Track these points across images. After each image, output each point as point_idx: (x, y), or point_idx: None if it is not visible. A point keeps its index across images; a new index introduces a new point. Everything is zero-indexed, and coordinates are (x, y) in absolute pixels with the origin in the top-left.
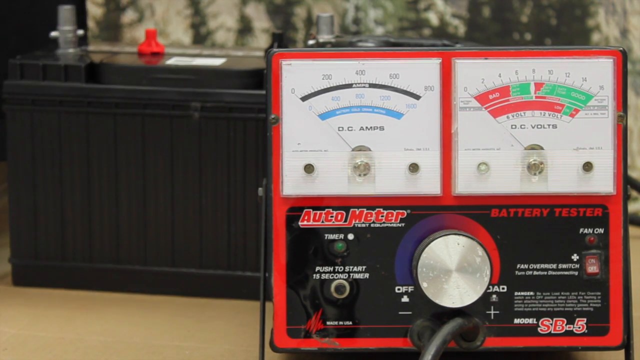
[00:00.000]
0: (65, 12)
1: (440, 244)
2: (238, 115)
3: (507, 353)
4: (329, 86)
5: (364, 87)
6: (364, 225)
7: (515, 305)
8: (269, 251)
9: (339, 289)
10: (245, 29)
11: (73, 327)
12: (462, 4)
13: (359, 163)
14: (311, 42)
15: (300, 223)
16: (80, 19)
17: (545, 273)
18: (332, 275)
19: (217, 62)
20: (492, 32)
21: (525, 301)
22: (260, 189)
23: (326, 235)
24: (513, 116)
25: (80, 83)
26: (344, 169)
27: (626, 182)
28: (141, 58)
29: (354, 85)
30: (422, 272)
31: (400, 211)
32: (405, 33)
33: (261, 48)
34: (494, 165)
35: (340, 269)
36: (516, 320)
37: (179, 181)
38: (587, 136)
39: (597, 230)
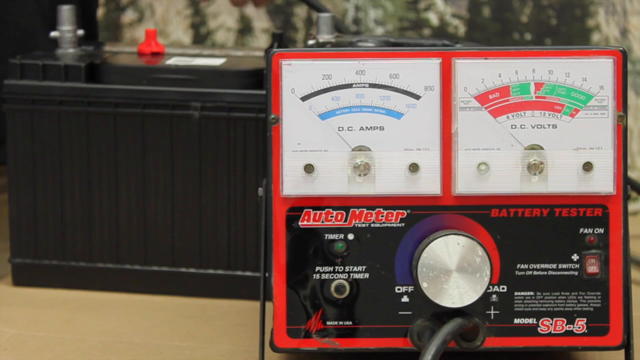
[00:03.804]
0: (65, 12)
1: (440, 244)
2: (238, 115)
3: (507, 353)
4: (329, 86)
5: (364, 87)
6: (364, 225)
7: (515, 305)
8: (269, 251)
9: (339, 289)
10: (245, 29)
11: (73, 327)
12: (462, 4)
13: (359, 163)
14: (311, 42)
15: (300, 223)
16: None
17: (545, 273)
18: (332, 275)
19: (217, 62)
20: (492, 32)
21: (525, 301)
22: (260, 189)
23: (326, 235)
24: (513, 116)
25: (80, 83)
26: (344, 169)
27: (626, 182)
28: (141, 58)
29: (354, 85)
30: (422, 272)
31: (400, 211)
32: (405, 33)
33: (261, 48)
34: (494, 165)
35: (340, 269)
36: (516, 320)
37: (179, 181)
38: (587, 136)
39: (597, 230)
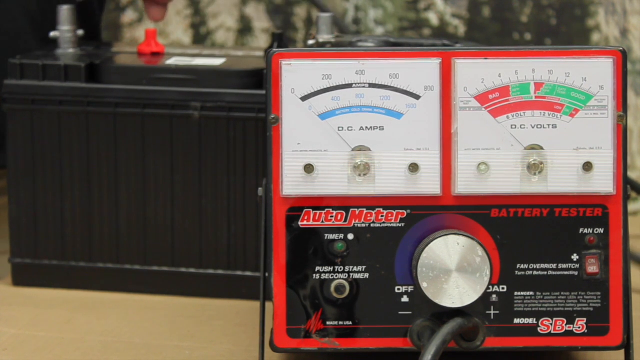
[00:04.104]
0: (65, 12)
1: (440, 244)
2: (238, 115)
3: (507, 353)
4: (329, 86)
5: (364, 87)
6: (364, 225)
7: (515, 305)
8: (269, 251)
9: (339, 289)
10: (245, 29)
11: (73, 327)
12: (462, 4)
13: (359, 163)
14: (311, 42)
15: (300, 223)
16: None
17: (545, 273)
18: (332, 275)
19: (217, 62)
20: (492, 32)
21: (525, 301)
22: (260, 189)
23: (326, 235)
24: (513, 116)
25: (80, 83)
26: (344, 169)
27: (626, 182)
28: (141, 58)
29: (354, 85)
30: (422, 272)
31: (400, 211)
32: (405, 33)
33: (261, 48)
34: (494, 165)
35: (340, 269)
36: (516, 320)
37: (179, 181)
38: (587, 136)
39: (597, 230)
